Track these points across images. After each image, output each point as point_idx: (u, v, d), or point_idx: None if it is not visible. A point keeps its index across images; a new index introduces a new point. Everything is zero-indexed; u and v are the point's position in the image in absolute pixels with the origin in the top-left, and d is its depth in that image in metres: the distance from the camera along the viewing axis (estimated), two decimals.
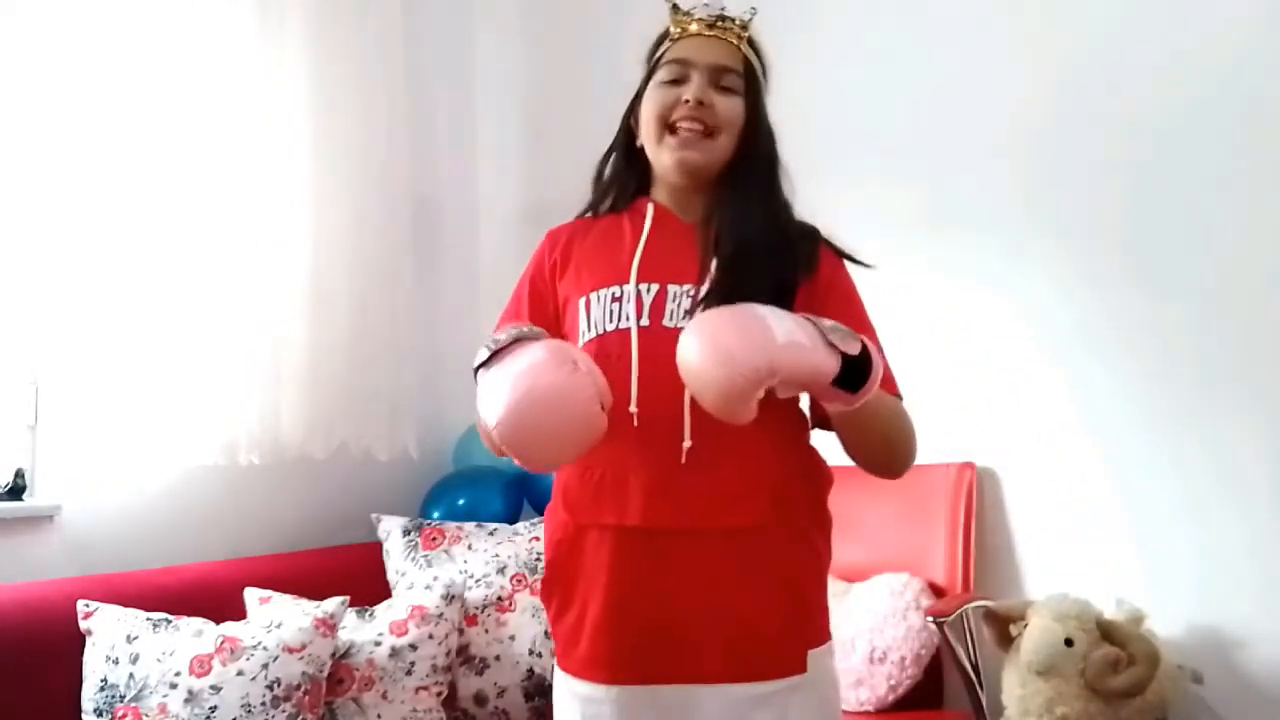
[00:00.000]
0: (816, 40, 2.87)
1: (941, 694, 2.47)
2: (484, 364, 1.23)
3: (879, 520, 2.57)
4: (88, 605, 2.19)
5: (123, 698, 2.10)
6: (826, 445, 1.37)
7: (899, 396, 1.32)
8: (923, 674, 2.35)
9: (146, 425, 2.52)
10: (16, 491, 2.42)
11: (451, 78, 3.44)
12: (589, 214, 1.46)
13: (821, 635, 1.33)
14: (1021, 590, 2.50)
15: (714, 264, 1.30)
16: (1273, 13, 2.27)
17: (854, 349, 1.15)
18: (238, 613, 2.34)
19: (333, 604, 2.31)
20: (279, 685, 2.14)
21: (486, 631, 2.56)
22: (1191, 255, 2.34)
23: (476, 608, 2.58)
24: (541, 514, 1.63)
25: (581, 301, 1.36)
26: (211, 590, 2.40)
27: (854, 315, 1.32)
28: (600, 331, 1.33)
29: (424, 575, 2.64)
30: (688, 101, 1.33)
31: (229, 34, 2.69)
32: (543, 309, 1.42)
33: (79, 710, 2.12)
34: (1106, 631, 2.17)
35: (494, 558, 2.68)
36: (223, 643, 2.16)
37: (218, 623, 2.23)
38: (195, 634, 2.18)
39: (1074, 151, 2.50)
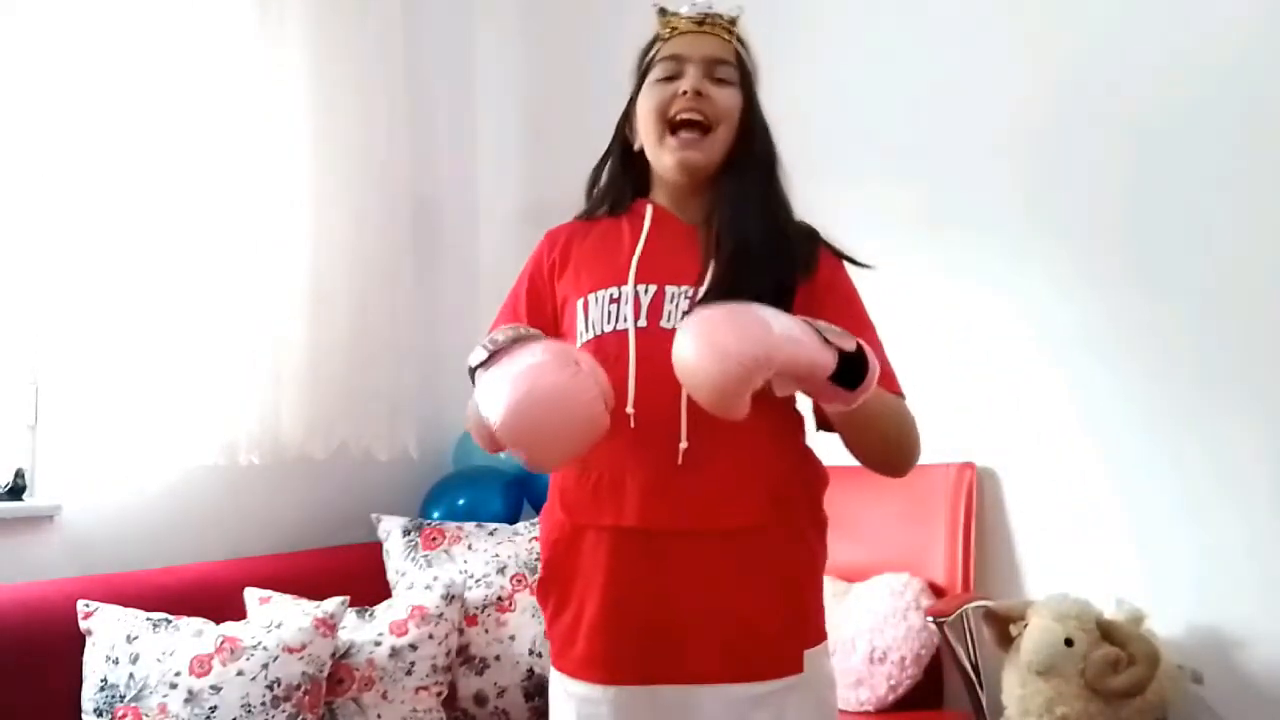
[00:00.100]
0: (816, 40, 2.88)
1: (941, 694, 2.47)
2: (482, 364, 1.23)
3: (879, 520, 2.57)
4: (88, 605, 2.19)
5: (123, 698, 2.10)
6: (823, 445, 1.37)
7: (901, 395, 1.32)
8: (923, 674, 2.35)
9: (146, 425, 2.52)
10: (16, 491, 2.42)
11: (451, 78, 3.44)
12: (586, 218, 1.46)
13: (818, 635, 1.33)
14: (1021, 590, 2.50)
15: (712, 264, 1.31)
16: (1273, 13, 2.27)
17: (850, 346, 1.15)
18: (238, 613, 2.34)
19: (333, 604, 2.31)
20: (279, 685, 2.14)
21: (486, 631, 2.56)
22: (1191, 255, 2.34)
23: (476, 608, 2.58)
24: None
25: (580, 302, 1.36)
26: (211, 590, 2.40)
27: (853, 315, 1.32)
28: (598, 332, 1.33)
29: (424, 575, 2.64)
30: (685, 93, 1.34)
31: (229, 34, 2.69)
32: (540, 309, 1.42)
33: (79, 710, 2.12)
34: (1106, 631, 2.17)
35: (494, 558, 2.68)
36: (223, 643, 2.16)
37: (218, 623, 2.23)
38: (195, 634, 2.18)
39: (1074, 151, 2.50)
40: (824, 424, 1.33)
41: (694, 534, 1.26)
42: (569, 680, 1.33)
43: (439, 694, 2.43)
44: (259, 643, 2.18)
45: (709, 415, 1.21)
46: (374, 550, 2.76)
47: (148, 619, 2.19)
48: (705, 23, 1.38)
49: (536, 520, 2.81)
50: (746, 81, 1.39)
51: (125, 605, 2.21)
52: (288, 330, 2.77)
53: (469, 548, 2.71)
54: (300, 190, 2.82)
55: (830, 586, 2.50)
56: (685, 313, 1.29)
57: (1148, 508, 2.37)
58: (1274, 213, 2.25)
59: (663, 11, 1.42)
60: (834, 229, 1.41)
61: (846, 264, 1.40)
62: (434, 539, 2.73)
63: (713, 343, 1.12)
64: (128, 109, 2.51)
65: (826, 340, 1.15)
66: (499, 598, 2.61)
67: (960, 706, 2.36)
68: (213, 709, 2.09)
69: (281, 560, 2.65)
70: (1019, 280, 2.57)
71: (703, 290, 1.29)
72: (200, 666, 2.12)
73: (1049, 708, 2.14)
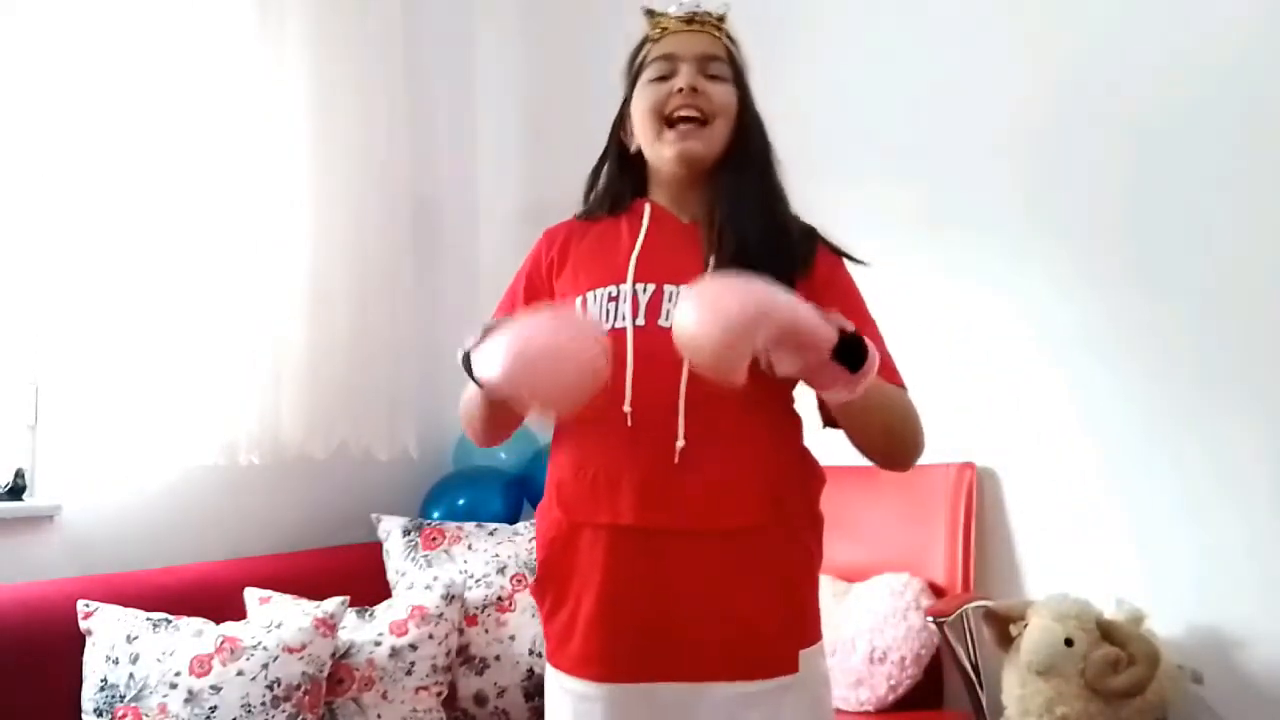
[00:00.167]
0: (816, 40, 2.88)
1: (941, 694, 2.47)
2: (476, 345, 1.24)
3: (879, 520, 2.57)
4: (88, 605, 2.19)
5: (123, 698, 2.10)
6: (821, 445, 1.37)
7: (903, 387, 1.32)
8: (923, 674, 2.35)
9: (146, 425, 2.52)
10: (16, 491, 2.42)
11: (451, 78, 3.44)
12: (585, 218, 1.46)
13: (814, 635, 1.33)
14: (1021, 590, 2.50)
15: (712, 260, 1.31)
16: (1273, 13, 2.27)
17: (849, 327, 1.15)
18: (238, 613, 2.34)
19: (333, 604, 2.31)
20: (279, 685, 2.14)
21: (486, 631, 2.56)
22: (1192, 255, 2.34)
23: (476, 608, 2.58)
24: None
25: (578, 300, 1.36)
26: (211, 590, 2.40)
27: (853, 309, 1.32)
28: None
29: (424, 575, 2.64)
30: (680, 90, 1.34)
31: (229, 34, 2.69)
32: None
33: (79, 710, 2.12)
34: (1106, 631, 2.17)
35: (494, 558, 2.68)
36: (223, 643, 2.16)
37: (218, 623, 2.23)
38: (195, 634, 2.18)
39: (1074, 152, 2.50)
40: (828, 421, 1.32)
41: (690, 533, 1.26)
42: (565, 677, 1.33)
43: (439, 694, 2.43)
44: (259, 643, 2.18)
45: (706, 414, 1.21)
46: (374, 550, 2.76)
47: (148, 619, 2.19)
48: (694, 21, 1.39)
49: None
50: (739, 77, 1.39)
51: (125, 605, 2.21)
52: (288, 330, 2.77)
53: (469, 548, 2.71)
54: (300, 190, 2.82)
55: (830, 586, 2.51)
56: None
57: (1148, 508, 2.37)
58: (1274, 213, 2.25)
59: (650, 13, 1.42)
60: (834, 229, 1.41)
61: (846, 261, 1.40)
62: (434, 539, 2.73)
63: (713, 303, 1.12)
64: (127, 109, 2.51)
65: (826, 319, 1.15)
66: (499, 598, 2.61)
67: (960, 706, 2.36)
68: (213, 709, 2.09)
69: (281, 560, 2.65)
70: (1019, 280, 2.57)
71: None
72: (200, 666, 2.12)
73: (1049, 708, 2.14)
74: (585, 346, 1.17)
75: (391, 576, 2.70)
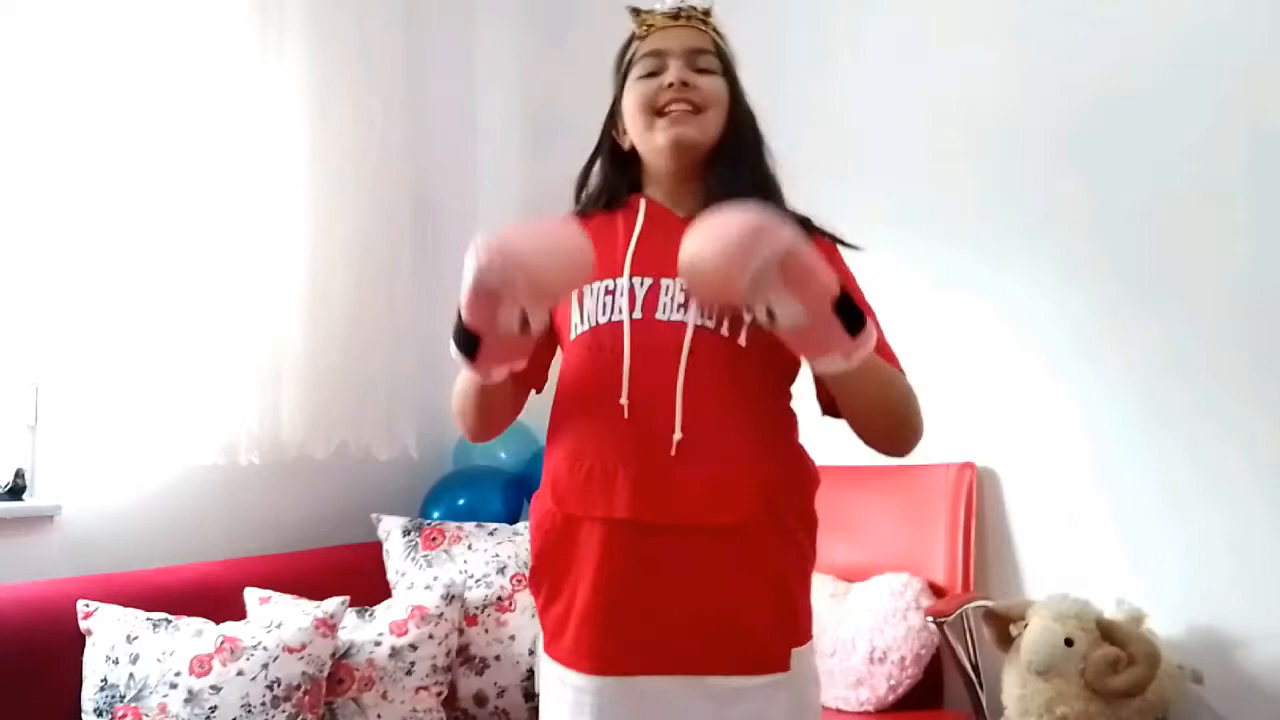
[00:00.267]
0: (816, 40, 2.88)
1: (941, 694, 2.47)
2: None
3: (879, 520, 2.57)
4: (88, 605, 2.19)
5: (123, 698, 2.10)
6: (819, 445, 1.37)
7: (900, 370, 1.32)
8: (923, 674, 2.35)
9: (146, 425, 2.52)
10: (16, 491, 2.42)
11: (451, 78, 3.44)
12: (580, 215, 1.46)
13: (805, 634, 1.33)
14: (1021, 590, 2.50)
15: None
16: (1273, 13, 2.27)
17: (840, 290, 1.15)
18: (238, 613, 2.34)
19: (333, 604, 2.31)
20: (279, 685, 2.14)
21: (486, 631, 2.56)
22: (1191, 256, 2.34)
23: (476, 608, 2.58)
24: None
25: (575, 294, 1.36)
26: (211, 590, 2.40)
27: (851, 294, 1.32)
28: (593, 324, 1.33)
29: (424, 575, 2.64)
30: (670, 85, 1.34)
31: (228, 35, 2.69)
32: None
33: (79, 710, 2.12)
34: (1106, 631, 2.17)
35: (494, 558, 2.68)
36: (223, 643, 2.16)
37: (218, 623, 2.23)
38: (195, 634, 2.18)
39: (1072, 154, 2.50)
40: (828, 409, 1.32)
41: (685, 529, 1.26)
42: (559, 667, 1.34)
43: (439, 694, 2.43)
44: (259, 643, 2.18)
45: (704, 408, 1.20)
46: (374, 550, 2.77)
47: (148, 619, 2.19)
48: (681, 16, 1.39)
49: None
50: (729, 70, 1.40)
51: (125, 605, 2.21)
52: (287, 330, 2.77)
53: (469, 548, 2.71)
54: (300, 191, 2.82)
55: (830, 586, 2.51)
56: (680, 305, 1.29)
57: (1147, 508, 2.36)
58: (1268, 215, 2.25)
59: (636, 11, 1.42)
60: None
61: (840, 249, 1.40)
62: (434, 539, 2.73)
63: (714, 227, 1.14)
64: (128, 109, 2.51)
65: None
66: (499, 598, 2.61)
67: (960, 706, 2.36)
68: (213, 709, 2.09)
69: (281, 560, 2.65)
70: (1018, 281, 2.57)
71: None
72: (200, 666, 2.12)
73: (1049, 708, 2.14)
74: (570, 232, 1.19)
75: (391, 576, 2.70)
